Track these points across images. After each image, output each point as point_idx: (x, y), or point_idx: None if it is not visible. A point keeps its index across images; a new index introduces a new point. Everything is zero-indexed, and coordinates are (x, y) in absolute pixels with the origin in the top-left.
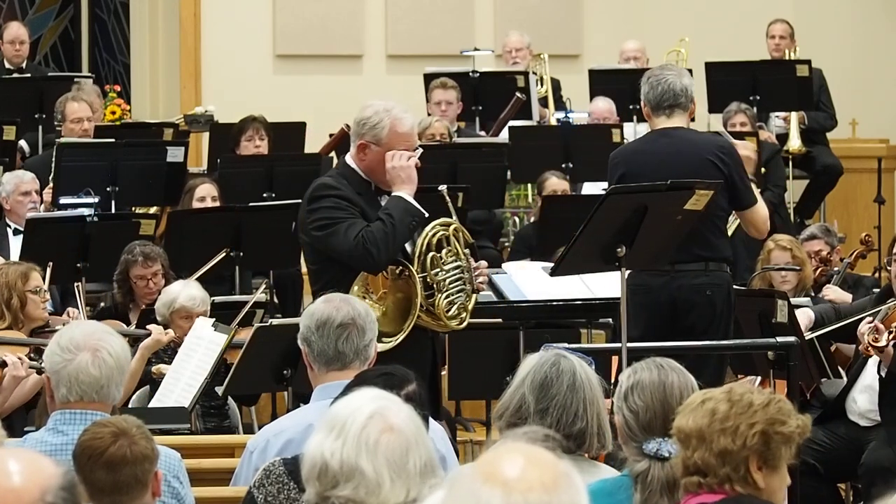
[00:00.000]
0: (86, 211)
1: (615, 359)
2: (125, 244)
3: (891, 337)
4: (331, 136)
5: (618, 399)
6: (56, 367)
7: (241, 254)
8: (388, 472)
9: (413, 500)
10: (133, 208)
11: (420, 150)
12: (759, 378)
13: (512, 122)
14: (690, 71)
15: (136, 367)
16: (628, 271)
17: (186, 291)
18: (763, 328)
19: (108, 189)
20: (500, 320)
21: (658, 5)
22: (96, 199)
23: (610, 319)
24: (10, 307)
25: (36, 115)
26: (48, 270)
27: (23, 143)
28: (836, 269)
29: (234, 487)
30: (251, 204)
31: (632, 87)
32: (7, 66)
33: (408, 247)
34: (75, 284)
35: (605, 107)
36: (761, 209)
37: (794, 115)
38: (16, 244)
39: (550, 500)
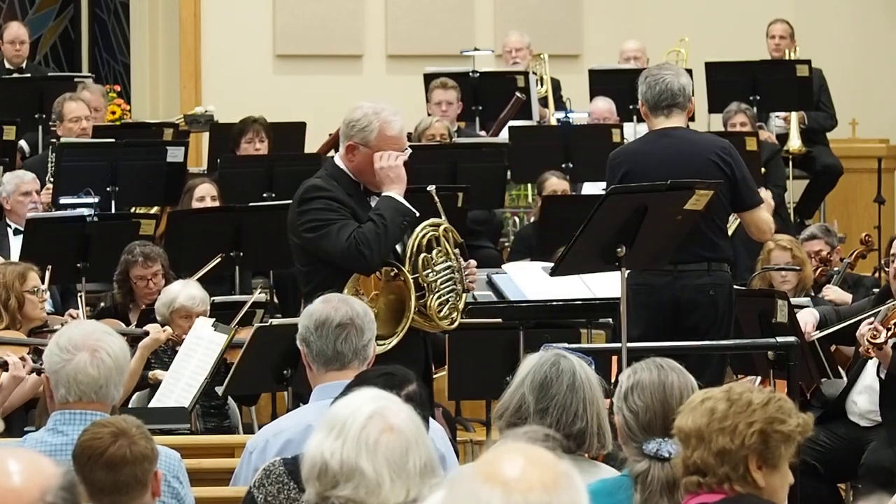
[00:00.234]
0: (86, 211)
1: (615, 358)
2: (125, 244)
3: (889, 335)
4: (330, 135)
5: (618, 399)
6: (55, 367)
7: (241, 254)
8: (388, 472)
9: (413, 500)
10: (133, 208)
11: (409, 151)
12: (759, 378)
13: (512, 122)
14: (690, 71)
15: (135, 366)
16: (628, 271)
17: (186, 291)
18: (763, 328)
19: (108, 189)
20: (500, 320)
21: (658, 5)
22: (96, 199)
23: (610, 319)
24: (7, 307)
25: (36, 115)
26: (47, 273)
27: (23, 143)
28: (836, 269)
29: (233, 487)
30: (251, 204)
31: (632, 87)
32: (7, 66)
33: (398, 248)
34: (78, 295)
35: (605, 107)
36: (765, 211)
37: (794, 115)
38: (16, 244)
39: (551, 500)
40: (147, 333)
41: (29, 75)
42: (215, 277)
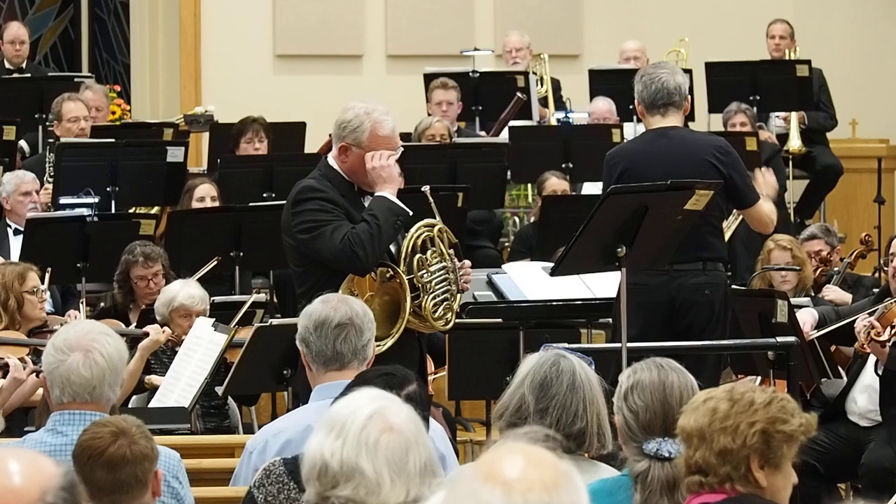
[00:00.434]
0: (86, 211)
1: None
2: (125, 244)
3: (892, 332)
4: (330, 135)
5: (618, 399)
6: (50, 367)
7: (241, 254)
8: (388, 472)
9: (413, 500)
10: (133, 208)
11: (401, 150)
12: (759, 378)
13: (512, 122)
14: (690, 71)
15: (135, 367)
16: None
17: (185, 290)
18: (763, 328)
19: (108, 189)
20: (500, 320)
21: (658, 5)
22: (96, 199)
23: (610, 319)
24: (6, 308)
25: (36, 115)
26: (47, 275)
27: (23, 143)
28: (836, 269)
29: (233, 487)
30: (251, 204)
31: (631, 88)
32: (7, 66)
33: (392, 249)
34: (80, 302)
35: (605, 107)
36: (765, 204)
37: (794, 115)
38: (16, 244)
39: (551, 500)
40: (147, 334)
41: (29, 75)
42: (215, 277)
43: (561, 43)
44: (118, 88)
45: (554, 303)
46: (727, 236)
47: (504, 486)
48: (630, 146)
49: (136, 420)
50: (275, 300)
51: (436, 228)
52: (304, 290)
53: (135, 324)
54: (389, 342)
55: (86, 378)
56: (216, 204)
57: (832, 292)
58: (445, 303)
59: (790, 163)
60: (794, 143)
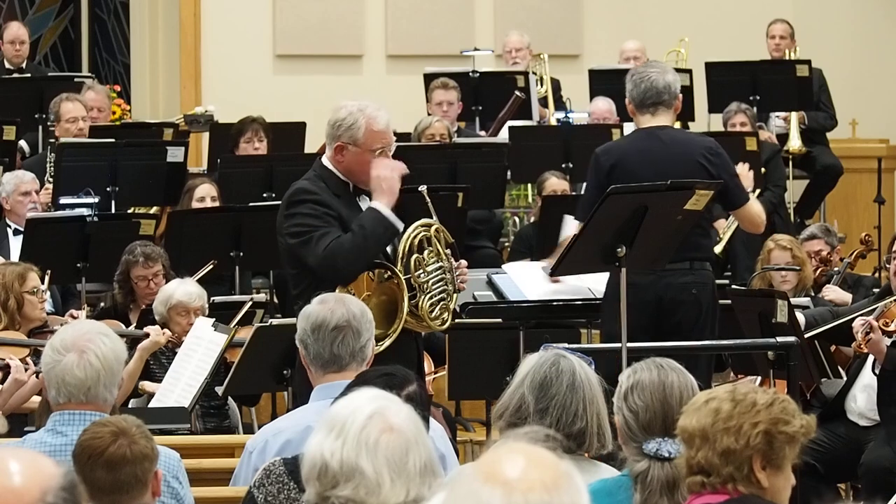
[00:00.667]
0: (86, 211)
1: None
2: (125, 244)
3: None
4: None
5: (618, 399)
6: (47, 367)
7: (241, 254)
8: (388, 472)
9: (413, 500)
10: (133, 208)
11: (394, 146)
12: (759, 378)
13: (512, 122)
14: (690, 71)
15: (134, 367)
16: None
17: (183, 288)
18: (763, 328)
19: (108, 189)
20: (499, 320)
21: (658, 5)
22: (96, 199)
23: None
24: (6, 308)
25: (36, 115)
26: (47, 276)
27: (23, 143)
28: (836, 269)
29: (233, 487)
30: (251, 204)
31: None
32: (7, 66)
33: (388, 249)
34: (83, 306)
35: (605, 107)
36: (754, 204)
37: (794, 115)
38: (16, 244)
39: (551, 500)
40: (147, 335)
41: (29, 75)
42: (215, 277)
43: (561, 43)
44: (118, 88)
45: (554, 303)
46: (727, 237)
47: (504, 486)
48: (620, 144)
49: (136, 420)
50: (275, 300)
51: (432, 228)
52: (299, 293)
53: (135, 324)
54: (387, 342)
55: (80, 379)
56: (216, 204)
57: (832, 292)
58: (442, 302)
59: (790, 163)
60: (794, 143)
